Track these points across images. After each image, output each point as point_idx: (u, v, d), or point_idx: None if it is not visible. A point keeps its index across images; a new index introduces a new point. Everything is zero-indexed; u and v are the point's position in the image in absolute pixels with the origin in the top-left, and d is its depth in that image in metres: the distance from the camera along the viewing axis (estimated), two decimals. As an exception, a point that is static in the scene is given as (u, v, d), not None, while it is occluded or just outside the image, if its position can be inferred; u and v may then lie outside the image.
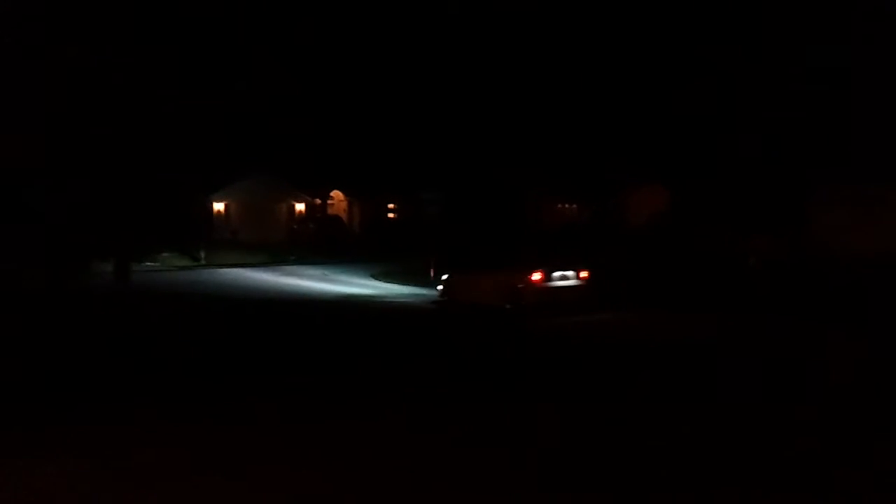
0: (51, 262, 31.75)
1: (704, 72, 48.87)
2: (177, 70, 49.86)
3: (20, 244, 32.82)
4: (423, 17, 58.14)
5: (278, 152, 52.80)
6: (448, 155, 55.48)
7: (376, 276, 31.95)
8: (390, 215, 55.51)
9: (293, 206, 50.73)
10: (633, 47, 54.12)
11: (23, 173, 41.07)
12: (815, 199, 35.32)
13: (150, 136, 47.79)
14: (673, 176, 49.82)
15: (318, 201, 53.88)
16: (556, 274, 19.77)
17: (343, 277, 31.76)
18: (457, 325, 19.04)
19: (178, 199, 47.32)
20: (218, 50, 52.17)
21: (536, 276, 19.47)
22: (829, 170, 35.83)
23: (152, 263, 35.77)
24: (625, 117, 54.83)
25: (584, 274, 20.27)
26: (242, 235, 46.66)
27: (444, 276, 22.28)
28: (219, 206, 49.60)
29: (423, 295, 25.05)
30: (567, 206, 55.82)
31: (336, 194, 55.27)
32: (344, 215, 54.01)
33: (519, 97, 56.31)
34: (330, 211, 54.43)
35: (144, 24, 48.57)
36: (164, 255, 36.99)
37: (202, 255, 37.78)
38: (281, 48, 54.08)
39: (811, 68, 41.13)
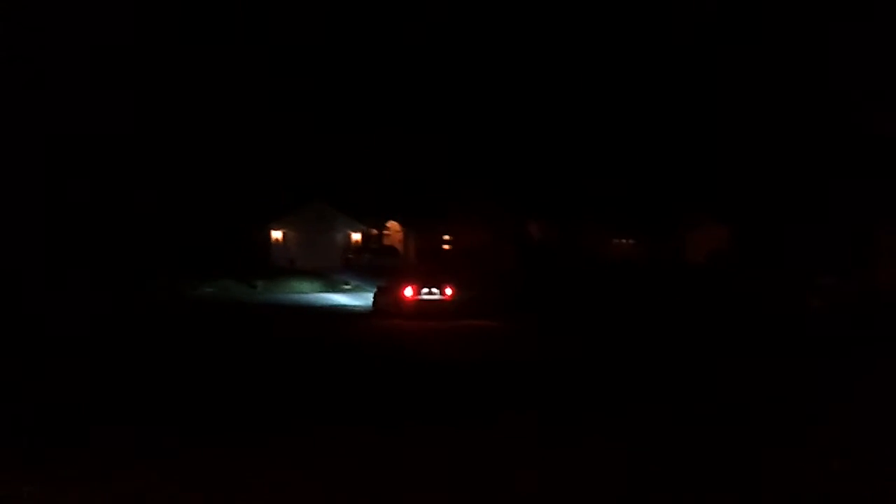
0: (118, 282, 32.96)
1: (767, 110, 48.15)
2: (236, 102, 51.10)
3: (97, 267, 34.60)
4: (482, 53, 58.58)
5: (337, 182, 53.59)
6: (507, 188, 55.52)
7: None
8: (445, 246, 55.56)
9: (349, 235, 51.21)
10: (699, 85, 53.63)
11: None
12: (884, 241, 34.14)
13: (213, 166, 49.03)
14: (733, 213, 48.91)
15: (375, 231, 54.31)
16: (425, 290, 25.56)
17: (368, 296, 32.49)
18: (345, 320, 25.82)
19: (238, 227, 48.30)
20: (277, 83, 53.23)
21: (409, 293, 25.37)
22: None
23: (210, 289, 36.29)
24: (686, 154, 54.20)
25: (448, 291, 25.87)
26: (300, 264, 47.29)
27: (374, 290, 28.70)
28: (277, 235, 50.31)
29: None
30: (625, 241, 55.14)
31: (392, 225, 55.66)
32: (399, 245, 54.27)
33: (582, 133, 56.17)
34: (386, 241, 54.78)
35: (210, 54, 49.89)
36: (222, 281, 37.49)
37: (258, 282, 38.21)
38: (339, 82, 54.92)
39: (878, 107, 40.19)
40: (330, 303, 33.55)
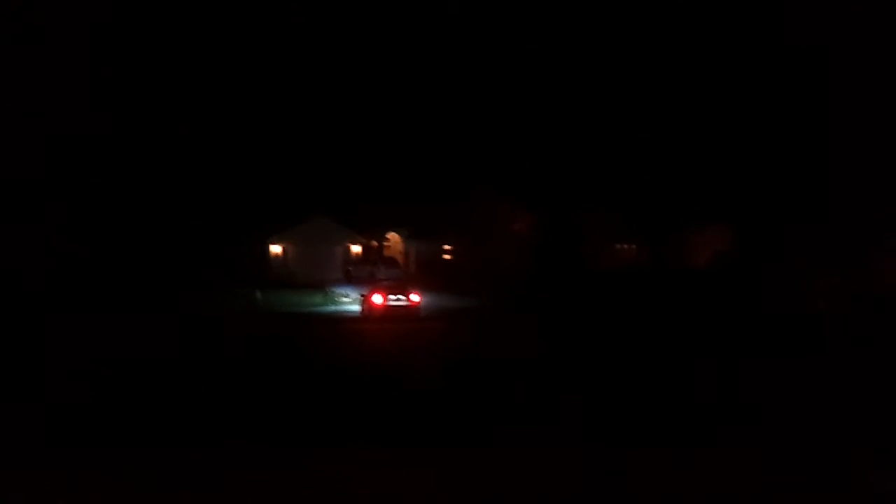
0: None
1: (767, 110, 47.85)
2: (238, 120, 50.99)
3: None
4: (477, 57, 58.32)
5: (336, 196, 53.37)
6: (504, 196, 55.21)
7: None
8: (445, 256, 55.24)
9: (349, 248, 50.94)
10: (694, 85, 53.31)
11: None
12: (888, 241, 33.73)
13: (209, 183, 48.89)
14: (737, 215, 48.48)
15: (375, 243, 53.99)
16: (392, 297, 29.74)
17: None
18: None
19: (237, 243, 48.12)
20: (276, 98, 53.08)
21: (377, 299, 29.74)
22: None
23: (208, 302, 36.05)
24: (687, 156, 53.83)
25: (414, 298, 29.97)
26: (300, 278, 47.01)
27: (360, 295, 32.80)
28: (276, 249, 50.08)
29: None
30: (627, 246, 54.68)
31: (392, 236, 55.37)
32: (400, 257, 53.94)
33: (577, 134, 55.88)
34: (386, 252, 54.45)
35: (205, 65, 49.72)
36: (221, 295, 37.28)
37: (258, 296, 37.93)
38: (340, 98, 54.73)
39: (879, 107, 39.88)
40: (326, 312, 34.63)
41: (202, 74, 50.19)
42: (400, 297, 30.10)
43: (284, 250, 50.13)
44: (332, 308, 36.07)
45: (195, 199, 48.92)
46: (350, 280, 46.80)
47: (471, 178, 56.40)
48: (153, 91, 48.03)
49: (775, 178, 46.52)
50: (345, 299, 39.14)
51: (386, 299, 29.82)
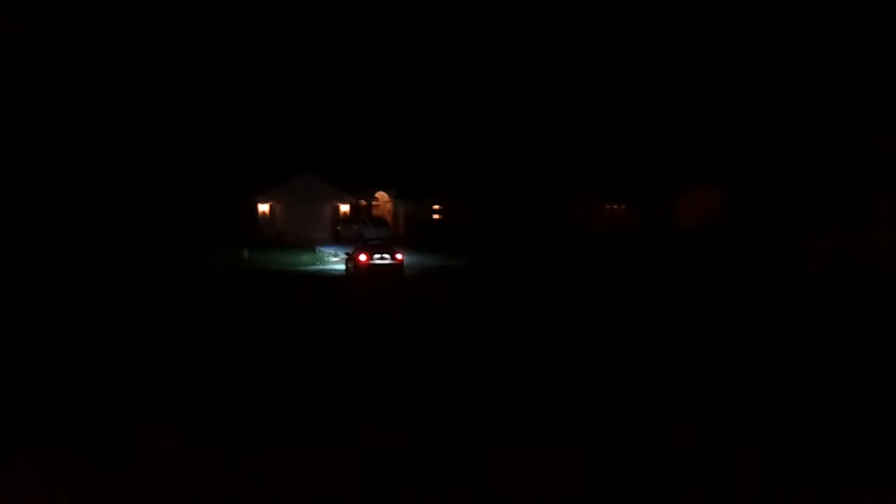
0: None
1: (758, 70, 47.48)
2: (222, 76, 50.20)
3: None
4: (472, 24, 57.58)
5: (324, 154, 52.83)
6: (495, 156, 54.91)
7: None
8: (434, 216, 54.98)
9: (337, 207, 50.49)
10: (683, 47, 52.88)
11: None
12: (880, 200, 33.58)
13: (198, 141, 48.28)
14: (726, 175, 48.30)
15: (363, 202, 53.56)
16: (377, 255, 30.23)
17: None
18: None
19: (224, 201, 47.64)
20: (262, 56, 52.32)
21: (363, 257, 30.20)
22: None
23: (195, 260, 35.77)
24: (674, 115, 53.53)
25: (399, 256, 30.55)
26: (288, 237, 46.64)
27: (345, 254, 33.76)
28: (264, 208, 49.59)
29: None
30: (616, 207, 54.49)
31: (381, 195, 54.95)
32: (389, 216, 53.59)
33: (566, 96, 55.46)
34: (375, 212, 54.07)
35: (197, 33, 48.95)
36: (209, 253, 37.01)
37: (246, 255, 37.62)
38: (326, 55, 53.97)
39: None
40: (312, 270, 34.72)
41: (189, 34, 49.37)
42: (384, 255, 30.71)
43: (272, 209, 49.60)
44: (320, 267, 35.91)
45: (183, 156, 48.39)
46: (338, 239, 46.49)
47: (457, 139, 56.07)
48: (138, 52, 47.23)
49: (765, 139, 46.32)
50: (333, 258, 38.91)
51: (370, 258, 30.42)
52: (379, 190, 54.71)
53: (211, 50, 51.22)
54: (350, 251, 32.87)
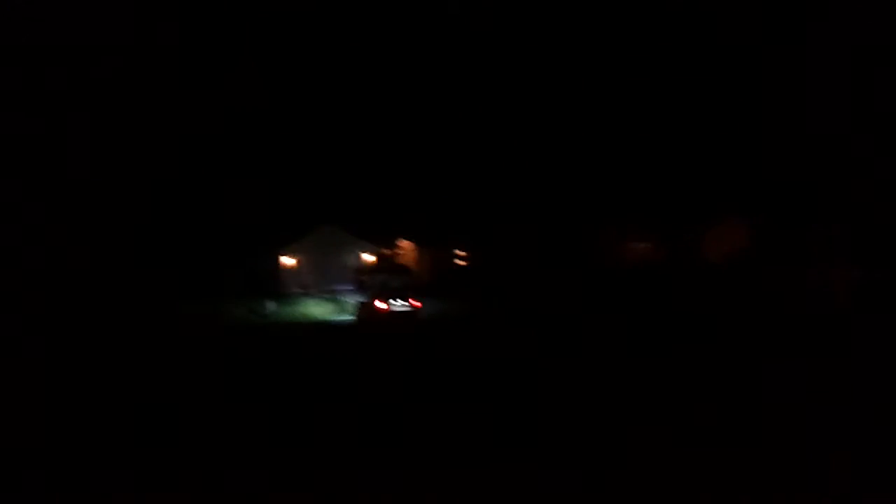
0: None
1: (783, 103, 47.01)
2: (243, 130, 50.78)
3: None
4: (492, 67, 57.84)
5: (346, 205, 53.11)
6: (517, 198, 54.77)
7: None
8: (459, 262, 54.78)
9: (360, 256, 50.53)
10: (714, 80, 52.56)
11: None
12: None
13: (222, 200, 48.85)
14: (753, 209, 47.56)
15: (387, 251, 53.53)
16: (395, 302, 30.69)
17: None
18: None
19: (247, 255, 48.03)
20: (283, 109, 52.81)
21: (382, 305, 30.68)
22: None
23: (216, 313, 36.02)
24: (703, 150, 53.02)
25: (416, 303, 31.11)
26: (313, 289, 46.82)
27: (357, 304, 34.19)
28: (288, 261, 49.79)
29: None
30: (642, 243, 53.85)
31: (404, 243, 54.91)
32: (413, 264, 53.45)
33: (591, 131, 55.25)
34: (399, 260, 53.97)
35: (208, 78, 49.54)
36: (231, 306, 37.27)
37: (266, 307, 37.81)
38: (343, 105, 54.35)
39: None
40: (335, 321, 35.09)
41: (211, 79, 50.17)
42: (404, 302, 31.16)
43: (297, 261, 49.83)
44: (343, 317, 35.88)
45: (207, 212, 48.94)
46: (363, 289, 46.45)
47: (476, 183, 55.99)
48: (161, 97, 48.02)
49: (794, 171, 45.65)
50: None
51: (389, 305, 30.86)
52: (401, 238, 54.73)
53: (233, 104, 51.91)
54: (363, 300, 33.23)
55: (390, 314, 30.37)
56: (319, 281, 47.96)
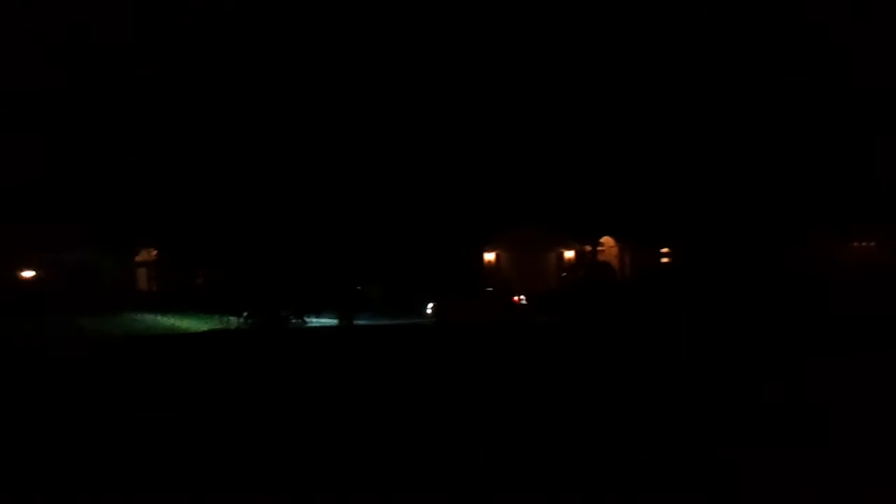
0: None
1: None
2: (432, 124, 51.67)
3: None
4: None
5: (548, 201, 53.28)
6: (726, 200, 52.61)
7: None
8: (664, 260, 53.61)
9: (562, 254, 50.94)
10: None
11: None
12: None
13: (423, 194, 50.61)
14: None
15: (589, 248, 53.47)
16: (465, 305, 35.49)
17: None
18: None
19: (450, 251, 49.56)
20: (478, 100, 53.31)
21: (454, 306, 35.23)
22: None
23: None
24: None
25: (522, 301, 36.05)
26: (514, 285, 47.62)
27: (433, 303, 37.12)
28: (490, 257, 51.13)
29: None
30: (865, 244, 50.00)
31: (607, 240, 54.52)
32: (615, 262, 53.05)
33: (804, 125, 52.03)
34: (601, 257, 53.74)
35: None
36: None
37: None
38: (545, 103, 54.20)
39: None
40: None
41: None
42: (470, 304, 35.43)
43: (498, 257, 51.04)
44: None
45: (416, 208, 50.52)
46: (565, 286, 46.77)
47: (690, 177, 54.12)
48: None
49: None
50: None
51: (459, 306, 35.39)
52: (605, 235, 54.35)
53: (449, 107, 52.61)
54: (442, 300, 36.70)
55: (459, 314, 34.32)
56: (521, 278, 48.64)
